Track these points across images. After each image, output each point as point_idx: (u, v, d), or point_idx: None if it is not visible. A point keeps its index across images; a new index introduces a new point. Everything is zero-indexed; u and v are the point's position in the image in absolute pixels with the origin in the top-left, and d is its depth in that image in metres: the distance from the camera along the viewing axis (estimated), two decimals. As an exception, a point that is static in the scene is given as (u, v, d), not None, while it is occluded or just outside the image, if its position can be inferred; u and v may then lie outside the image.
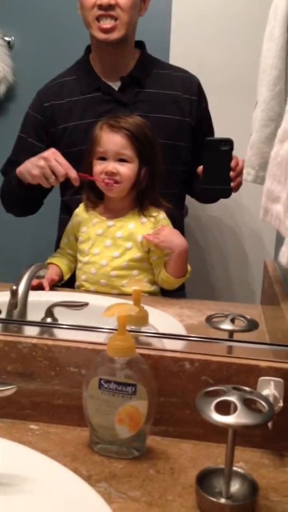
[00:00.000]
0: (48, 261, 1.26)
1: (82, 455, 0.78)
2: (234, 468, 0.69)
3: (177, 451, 0.80)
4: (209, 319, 0.97)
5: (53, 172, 1.17)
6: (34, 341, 0.86)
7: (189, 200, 1.39)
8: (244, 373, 0.80)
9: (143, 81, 1.32)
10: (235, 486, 0.69)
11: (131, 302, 0.89)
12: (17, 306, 0.99)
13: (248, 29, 1.33)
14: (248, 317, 0.95)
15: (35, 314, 1.00)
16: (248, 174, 0.98)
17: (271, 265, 1.25)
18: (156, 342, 0.91)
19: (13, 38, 1.49)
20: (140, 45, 1.35)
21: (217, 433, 0.76)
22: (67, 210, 1.32)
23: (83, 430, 0.83)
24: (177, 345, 0.93)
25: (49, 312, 1.01)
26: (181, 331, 1.03)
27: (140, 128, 1.18)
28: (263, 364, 0.80)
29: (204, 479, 0.70)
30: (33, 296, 1.03)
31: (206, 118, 1.36)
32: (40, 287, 1.16)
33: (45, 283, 1.17)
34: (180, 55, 1.40)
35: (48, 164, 1.17)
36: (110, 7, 1.22)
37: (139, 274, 1.19)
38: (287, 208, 0.69)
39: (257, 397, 0.68)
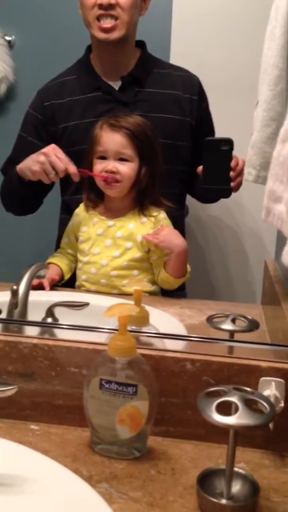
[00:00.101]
0: (49, 260, 1.26)
1: (83, 456, 0.78)
2: (235, 469, 0.69)
3: (178, 452, 0.80)
4: (210, 319, 0.96)
5: (53, 168, 1.17)
6: (35, 341, 0.86)
7: (190, 200, 1.39)
8: (245, 374, 0.80)
9: (144, 80, 1.32)
10: (236, 487, 0.69)
11: (131, 302, 0.89)
12: (18, 306, 0.99)
13: (248, 29, 1.33)
14: (249, 317, 0.95)
15: (35, 314, 1.00)
16: (249, 174, 0.98)
17: (272, 264, 1.25)
18: (157, 342, 0.91)
19: (13, 37, 1.49)
20: (140, 44, 1.34)
21: (218, 433, 0.76)
22: (67, 210, 1.32)
23: (83, 431, 0.83)
24: (178, 345, 0.93)
25: (50, 312, 1.00)
26: (182, 331, 1.03)
27: (141, 127, 1.18)
28: (264, 364, 0.80)
29: (205, 479, 0.70)
30: (34, 296, 1.03)
31: (206, 118, 1.36)
32: (40, 287, 1.16)
33: (46, 283, 1.17)
34: (180, 54, 1.39)
35: (48, 159, 1.17)
36: (110, 6, 1.22)
37: (139, 274, 1.19)
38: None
39: (258, 398, 0.68)
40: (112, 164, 1.17)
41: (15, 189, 1.28)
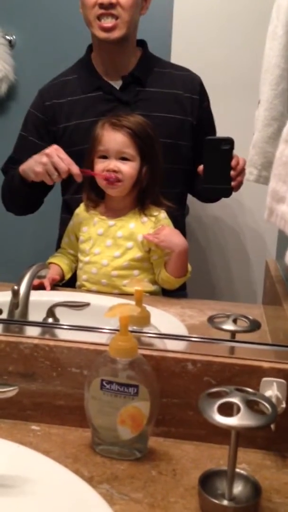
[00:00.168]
0: (49, 260, 1.26)
1: (84, 456, 0.78)
2: (237, 470, 0.69)
3: (180, 452, 0.80)
4: (211, 320, 0.96)
5: (56, 169, 1.17)
6: (36, 341, 0.86)
7: (190, 200, 1.39)
8: (247, 374, 0.80)
9: (145, 80, 1.31)
10: (238, 488, 0.69)
11: (132, 302, 0.89)
12: (19, 306, 0.99)
13: (250, 28, 1.32)
14: (250, 317, 0.95)
15: (36, 314, 1.00)
16: (250, 173, 0.98)
17: (273, 264, 1.25)
18: (158, 343, 0.91)
19: (14, 37, 1.49)
20: (141, 44, 1.34)
21: (220, 434, 0.76)
22: (68, 210, 1.32)
23: (85, 431, 0.83)
24: (179, 345, 0.93)
25: (51, 312, 1.00)
26: (183, 331, 1.03)
27: (142, 126, 1.18)
28: (265, 365, 0.80)
29: (207, 480, 0.70)
30: (35, 296, 1.02)
31: (207, 117, 1.36)
32: (41, 287, 1.15)
33: (46, 283, 1.17)
34: (181, 54, 1.39)
35: (51, 160, 1.17)
36: (111, 5, 1.22)
37: (140, 274, 1.19)
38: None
39: (260, 399, 0.68)
40: (113, 164, 1.17)
41: (17, 190, 1.28)
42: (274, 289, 1.11)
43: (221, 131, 1.32)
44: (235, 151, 1.12)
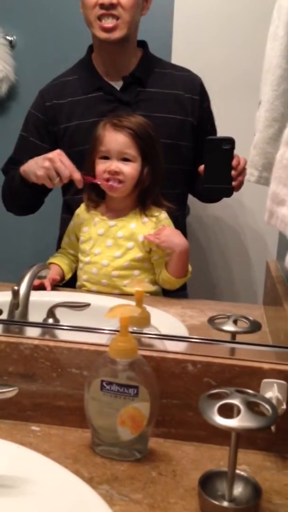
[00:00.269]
0: (50, 261, 1.26)
1: (84, 457, 0.78)
2: (237, 471, 0.69)
3: (180, 453, 0.80)
4: (211, 320, 0.96)
5: (58, 174, 1.17)
6: (36, 342, 0.86)
7: (191, 200, 1.39)
8: (247, 375, 0.80)
9: (145, 80, 1.31)
10: (238, 489, 0.69)
11: (133, 303, 0.89)
12: (19, 306, 0.99)
13: (251, 29, 1.32)
14: (250, 318, 0.95)
15: (36, 314, 1.00)
16: (251, 174, 0.98)
17: (274, 265, 1.25)
18: (158, 344, 0.91)
19: (15, 37, 1.49)
20: (142, 44, 1.34)
21: (220, 435, 0.76)
22: (68, 210, 1.32)
23: (84, 432, 0.83)
24: (179, 346, 0.93)
25: (51, 312, 1.00)
26: (183, 331, 1.03)
27: (143, 127, 1.18)
28: (266, 366, 0.80)
29: (207, 482, 0.69)
30: (35, 296, 1.02)
31: (208, 118, 1.36)
32: (41, 287, 1.15)
33: (47, 283, 1.17)
34: (182, 54, 1.39)
35: (53, 165, 1.17)
36: (112, 6, 1.22)
37: (141, 274, 1.19)
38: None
39: (261, 400, 0.68)
40: (115, 164, 1.17)
41: (18, 190, 1.28)
42: (274, 290, 1.11)
43: (222, 132, 1.32)
44: (236, 152, 1.12)
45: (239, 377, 0.80)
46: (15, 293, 0.99)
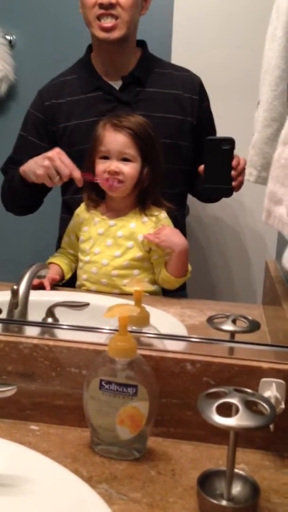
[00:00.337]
0: (49, 260, 1.26)
1: (83, 456, 0.78)
2: (235, 470, 0.69)
3: (178, 453, 0.80)
4: (210, 320, 0.96)
5: (58, 172, 1.17)
6: (35, 341, 0.86)
7: (191, 200, 1.39)
8: (246, 375, 0.80)
9: (145, 80, 1.31)
10: (237, 488, 0.69)
11: (132, 302, 0.89)
12: (18, 306, 0.99)
13: (250, 29, 1.32)
14: (249, 317, 0.95)
15: (36, 314, 1.00)
16: (250, 174, 0.98)
17: (273, 265, 1.25)
18: (157, 343, 0.91)
19: (14, 37, 1.49)
20: (141, 44, 1.34)
21: (218, 434, 0.76)
22: (68, 209, 1.32)
23: (83, 431, 0.83)
24: (178, 346, 0.93)
25: (50, 312, 1.00)
26: (182, 331, 1.03)
27: (143, 127, 1.18)
28: (265, 365, 0.80)
29: (206, 481, 0.70)
30: (34, 296, 1.02)
31: (207, 117, 1.36)
32: (41, 287, 1.16)
33: (46, 282, 1.17)
34: (181, 54, 1.39)
35: (53, 164, 1.17)
36: (111, 6, 1.22)
37: (140, 273, 1.19)
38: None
39: (259, 399, 0.68)
40: (115, 164, 1.17)
41: (17, 190, 1.28)
42: (273, 290, 1.11)
43: (221, 132, 1.32)
44: (236, 152, 1.12)
45: (238, 376, 0.80)
46: (15, 293, 0.99)
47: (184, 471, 0.76)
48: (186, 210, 1.39)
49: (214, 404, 0.65)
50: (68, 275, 1.25)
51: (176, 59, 1.39)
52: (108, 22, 1.23)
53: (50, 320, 1.00)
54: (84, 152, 1.21)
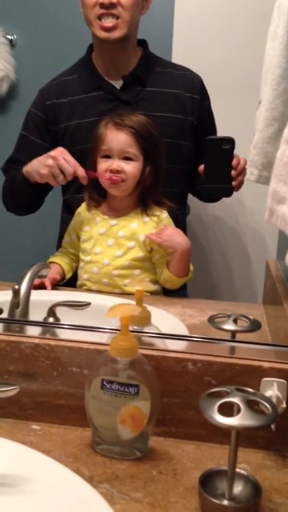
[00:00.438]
0: (50, 260, 1.26)
1: (84, 456, 0.78)
2: (237, 470, 0.69)
3: (180, 452, 0.80)
4: (211, 319, 0.96)
5: (62, 171, 1.17)
6: (37, 341, 0.86)
7: (191, 199, 1.39)
8: (247, 374, 0.80)
9: (145, 79, 1.31)
10: (238, 488, 0.69)
11: (133, 302, 0.89)
12: (19, 305, 0.99)
13: (251, 28, 1.32)
14: (251, 317, 0.95)
15: (37, 313, 1.00)
16: (251, 173, 0.98)
17: (273, 264, 1.25)
18: (159, 342, 0.91)
19: (15, 36, 1.49)
20: (142, 43, 1.34)
21: (220, 434, 0.76)
22: (68, 209, 1.32)
23: (85, 431, 0.83)
24: (180, 345, 0.93)
25: (51, 311, 1.00)
26: (184, 331, 1.03)
27: (145, 126, 1.18)
28: (266, 365, 0.80)
29: (207, 480, 0.70)
30: (35, 295, 1.03)
31: (208, 117, 1.36)
32: (42, 287, 1.15)
33: (47, 282, 1.17)
34: (182, 53, 1.39)
35: (57, 163, 1.17)
36: (111, 5, 1.22)
37: (141, 273, 1.19)
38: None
39: (260, 399, 0.68)
40: (116, 163, 1.17)
41: (20, 190, 1.28)
42: (274, 289, 1.11)
43: (222, 131, 1.32)
44: (236, 152, 1.12)
45: (239, 375, 0.80)
46: (16, 292, 0.99)
47: (185, 471, 0.76)
48: (187, 210, 1.39)
49: (216, 404, 0.65)
50: (69, 275, 1.25)
51: (177, 58, 1.38)
52: (109, 22, 1.23)
53: (51, 319, 1.00)
54: (86, 152, 1.21)
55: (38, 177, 1.20)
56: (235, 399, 0.66)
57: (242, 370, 0.80)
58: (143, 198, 1.21)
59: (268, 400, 0.69)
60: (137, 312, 0.80)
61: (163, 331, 0.94)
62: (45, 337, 0.91)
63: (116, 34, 1.24)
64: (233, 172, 1.13)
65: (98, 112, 1.26)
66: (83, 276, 1.22)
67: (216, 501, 0.66)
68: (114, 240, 1.20)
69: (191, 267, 1.18)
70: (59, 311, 1.01)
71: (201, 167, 1.14)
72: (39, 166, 1.20)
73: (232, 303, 1.26)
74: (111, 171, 1.17)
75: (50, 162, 1.18)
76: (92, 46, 1.33)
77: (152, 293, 1.17)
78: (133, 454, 0.78)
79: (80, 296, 1.16)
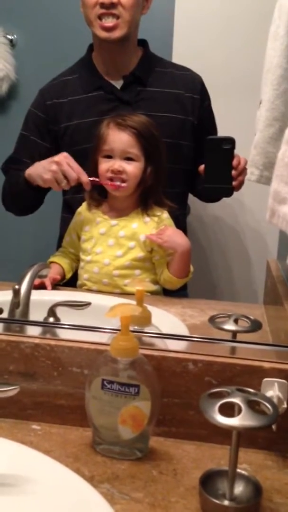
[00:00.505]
0: (50, 260, 1.26)
1: (85, 456, 0.78)
2: (238, 470, 0.69)
3: (180, 452, 0.80)
4: (212, 320, 0.96)
5: (65, 177, 1.17)
6: (37, 341, 0.86)
7: (191, 199, 1.39)
8: (248, 374, 0.80)
9: (146, 79, 1.31)
10: (239, 488, 0.69)
11: (134, 302, 0.89)
12: (20, 305, 0.99)
13: (251, 28, 1.32)
14: (251, 317, 0.95)
15: (37, 313, 1.00)
16: (252, 173, 0.98)
17: (274, 264, 1.25)
18: (159, 343, 0.91)
19: (15, 36, 1.49)
20: (142, 43, 1.34)
21: (221, 434, 0.76)
22: (69, 209, 1.32)
23: (85, 431, 0.83)
24: (180, 345, 0.93)
25: (52, 311, 1.00)
26: (184, 331, 1.03)
27: (146, 126, 1.18)
28: (266, 365, 0.80)
29: (208, 480, 0.70)
30: (36, 295, 1.02)
31: (208, 117, 1.36)
32: (42, 287, 1.15)
33: (47, 282, 1.17)
34: (183, 53, 1.39)
35: (61, 168, 1.17)
36: (112, 5, 1.22)
37: (142, 273, 1.19)
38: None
39: (261, 399, 0.68)
40: (118, 164, 1.17)
41: (20, 193, 1.28)
42: (275, 289, 1.11)
43: (222, 131, 1.32)
44: (236, 152, 1.12)
45: (240, 376, 0.80)
46: (16, 292, 0.99)
47: (186, 471, 0.75)
48: (187, 210, 1.39)
49: (216, 404, 0.65)
50: (69, 275, 1.25)
51: (177, 58, 1.38)
52: (109, 22, 1.23)
53: (51, 319, 1.00)
54: (86, 152, 1.21)
55: (41, 181, 1.20)
56: (236, 400, 0.66)
57: (243, 370, 0.80)
58: (144, 198, 1.21)
59: (269, 400, 0.69)
60: (137, 312, 0.79)
61: (164, 331, 0.94)
62: (46, 337, 0.91)
63: (117, 34, 1.24)
64: (233, 172, 1.13)
65: (98, 112, 1.26)
66: (83, 276, 1.22)
67: (217, 502, 0.66)
68: (114, 240, 1.20)
69: (191, 268, 1.18)
70: (59, 311, 1.01)
71: (202, 167, 1.14)
72: (42, 171, 1.19)
73: (232, 303, 1.26)
74: (113, 171, 1.17)
75: (54, 167, 1.17)
76: (92, 46, 1.33)
77: (153, 293, 1.17)
78: (133, 454, 0.78)
79: (80, 296, 1.16)
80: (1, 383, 0.73)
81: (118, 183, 1.17)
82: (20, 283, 1.00)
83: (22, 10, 1.49)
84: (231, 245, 1.50)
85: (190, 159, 1.32)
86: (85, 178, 1.17)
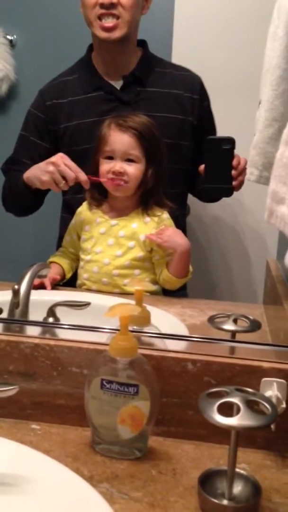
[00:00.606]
0: (50, 260, 1.26)
1: (84, 456, 0.78)
2: (237, 470, 0.69)
3: (179, 452, 0.80)
4: (211, 320, 0.96)
5: (63, 177, 1.17)
6: (36, 341, 0.86)
7: (191, 199, 1.39)
8: (247, 374, 0.80)
9: (145, 80, 1.31)
10: (238, 488, 0.69)
11: (133, 302, 0.89)
12: (19, 305, 0.99)
13: (251, 29, 1.32)
14: (251, 317, 0.95)
15: (37, 313, 1.00)
16: (251, 174, 0.98)
17: (274, 264, 1.25)
18: (158, 342, 0.91)
19: (15, 36, 1.49)
20: (142, 44, 1.34)
21: (220, 434, 0.76)
22: (68, 209, 1.32)
23: (85, 430, 0.83)
24: (179, 345, 0.93)
25: (51, 311, 1.00)
26: (183, 331, 1.03)
27: (148, 127, 1.18)
28: (266, 365, 0.80)
29: (207, 480, 0.70)
30: (35, 295, 1.03)
31: (208, 117, 1.36)
32: (42, 287, 1.16)
33: (47, 282, 1.17)
34: (182, 54, 1.39)
35: (58, 168, 1.16)
36: (112, 5, 1.22)
37: (141, 273, 1.19)
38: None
39: (260, 399, 0.68)
40: (119, 165, 1.17)
41: (21, 195, 1.28)
42: (274, 289, 1.11)
43: (222, 132, 1.32)
44: (236, 152, 1.12)
45: (239, 375, 0.80)
46: (16, 292, 0.99)
47: (185, 471, 0.76)
48: (187, 210, 1.39)
49: (215, 404, 0.65)
50: (69, 275, 1.25)
51: (177, 58, 1.38)
52: (109, 22, 1.23)
53: (51, 319, 1.00)
54: (86, 152, 1.21)
55: (39, 184, 1.20)
56: (235, 399, 0.66)
57: (242, 370, 0.80)
58: (145, 199, 1.21)
59: (268, 400, 0.69)
60: (136, 312, 0.80)
61: (163, 331, 0.94)
62: (45, 337, 0.91)
63: (116, 34, 1.24)
64: (233, 172, 1.13)
65: (98, 113, 1.26)
66: (83, 275, 1.22)
67: (216, 501, 0.67)
68: (114, 239, 1.20)
69: (191, 268, 1.18)
70: (59, 311, 1.01)
71: (201, 167, 1.14)
72: (40, 173, 1.19)
73: (232, 303, 1.26)
74: (114, 172, 1.17)
75: (51, 168, 1.17)
76: (92, 46, 1.34)
77: (152, 293, 1.17)
78: (132, 453, 0.78)
79: (80, 296, 1.16)
80: (1, 383, 0.73)
81: (121, 182, 1.17)
82: (19, 283, 1.00)
83: (22, 10, 1.49)
84: (230, 245, 1.50)
85: (189, 160, 1.32)
86: (83, 176, 1.17)
